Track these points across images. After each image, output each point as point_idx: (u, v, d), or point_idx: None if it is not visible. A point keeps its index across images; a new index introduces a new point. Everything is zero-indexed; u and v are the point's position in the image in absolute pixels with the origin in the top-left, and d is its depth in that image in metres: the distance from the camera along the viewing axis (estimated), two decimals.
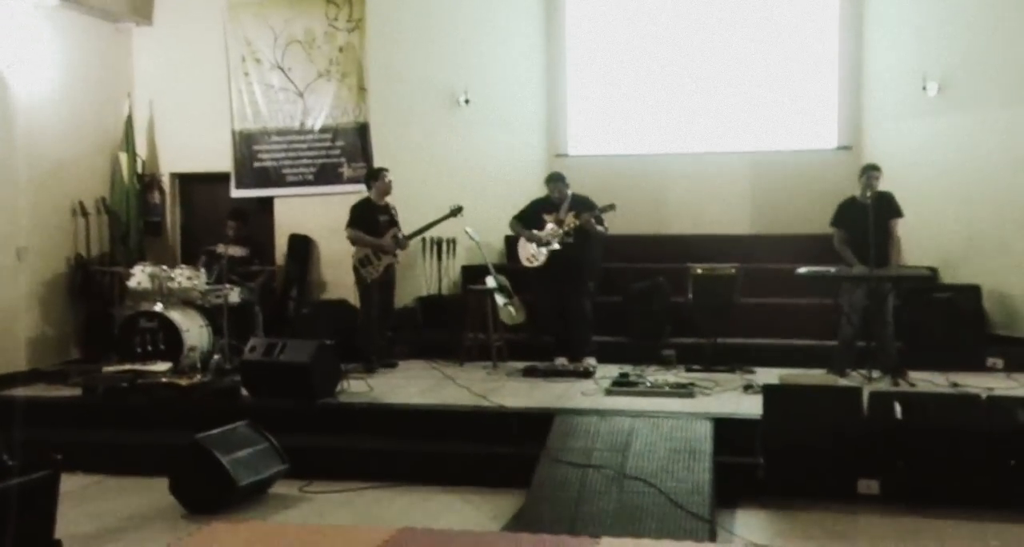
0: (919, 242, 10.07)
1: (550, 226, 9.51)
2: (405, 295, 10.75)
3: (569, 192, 9.62)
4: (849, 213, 8.96)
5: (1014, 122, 9.59)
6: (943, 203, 10.30)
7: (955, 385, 8.20)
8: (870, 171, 8.94)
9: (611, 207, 9.38)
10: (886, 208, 8.87)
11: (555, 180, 9.73)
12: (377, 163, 10.50)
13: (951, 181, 10.32)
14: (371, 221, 9.67)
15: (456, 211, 9.80)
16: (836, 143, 11.99)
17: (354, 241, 9.67)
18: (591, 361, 9.39)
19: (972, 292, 9.65)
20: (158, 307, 9.31)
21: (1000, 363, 9.08)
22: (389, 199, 9.84)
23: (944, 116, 10.45)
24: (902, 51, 11.06)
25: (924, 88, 10.52)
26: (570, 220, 9.39)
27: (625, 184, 11.49)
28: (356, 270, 9.64)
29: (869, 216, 8.52)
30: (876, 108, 11.58)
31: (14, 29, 9.88)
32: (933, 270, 10.03)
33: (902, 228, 9.01)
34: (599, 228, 9.43)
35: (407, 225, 9.83)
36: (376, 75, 10.90)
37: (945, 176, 10.39)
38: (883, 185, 8.97)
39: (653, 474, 6.23)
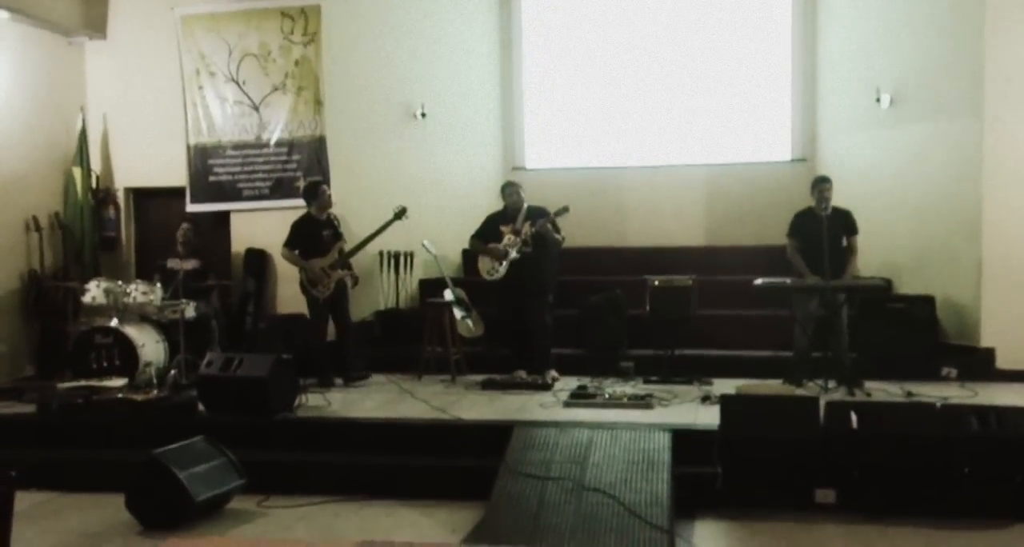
0: (873, 253, 10.16)
1: (508, 237, 9.53)
2: (362, 309, 10.71)
3: (526, 204, 9.64)
4: (805, 224, 9.02)
5: (963, 134, 9.71)
6: (896, 214, 10.40)
7: (910, 394, 8.29)
8: (821, 184, 9.02)
9: (565, 209, 9.39)
10: (844, 224, 8.99)
11: (510, 185, 9.79)
12: (334, 177, 10.49)
13: (904, 192, 10.43)
14: (314, 237, 9.51)
15: (400, 213, 9.58)
16: (791, 156, 12.09)
17: (288, 261, 9.60)
18: (552, 373, 9.41)
19: (926, 302, 9.73)
20: (113, 323, 9.22)
21: (954, 372, 9.18)
22: (332, 210, 9.76)
23: (897, 128, 10.56)
24: (855, 64, 11.17)
25: (877, 100, 10.64)
26: (527, 229, 9.40)
27: (582, 197, 11.40)
28: (306, 290, 9.50)
29: (824, 228, 8.63)
30: (830, 121, 11.69)
31: None
32: (887, 281, 10.15)
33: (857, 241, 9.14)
34: (556, 236, 9.45)
35: (361, 239, 9.73)
36: (332, 89, 10.88)
37: (898, 187, 10.50)
38: (837, 197, 9.07)
39: (612, 485, 6.25)
